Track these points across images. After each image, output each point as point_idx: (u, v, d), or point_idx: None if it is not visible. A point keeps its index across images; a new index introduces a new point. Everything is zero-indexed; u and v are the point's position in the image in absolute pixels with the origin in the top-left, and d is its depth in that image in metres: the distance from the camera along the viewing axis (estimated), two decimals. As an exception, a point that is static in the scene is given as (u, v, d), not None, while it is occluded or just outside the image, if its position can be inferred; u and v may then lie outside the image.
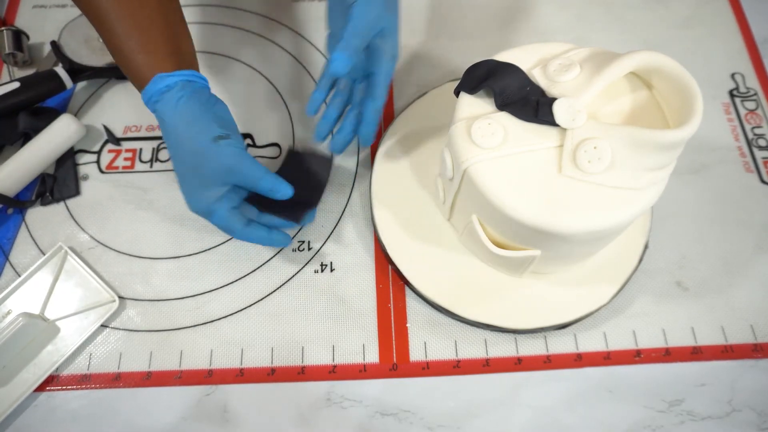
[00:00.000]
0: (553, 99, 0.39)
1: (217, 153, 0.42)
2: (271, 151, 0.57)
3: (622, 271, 0.49)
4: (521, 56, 0.42)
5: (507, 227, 0.41)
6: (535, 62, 0.42)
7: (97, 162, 0.57)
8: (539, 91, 0.40)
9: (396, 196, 0.52)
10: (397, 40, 0.47)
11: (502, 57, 0.42)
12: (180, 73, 0.43)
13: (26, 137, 0.55)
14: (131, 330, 0.50)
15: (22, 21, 0.64)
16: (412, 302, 0.51)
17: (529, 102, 0.39)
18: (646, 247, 0.50)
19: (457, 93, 0.43)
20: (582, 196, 0.38)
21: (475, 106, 0.41)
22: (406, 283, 0.50)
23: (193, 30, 0.65)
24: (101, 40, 0.59)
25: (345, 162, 0.57)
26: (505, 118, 0.40)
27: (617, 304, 0.50)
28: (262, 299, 0.51)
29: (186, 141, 0.43)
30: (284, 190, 0.45)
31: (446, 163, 0.43)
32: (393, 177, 0.53)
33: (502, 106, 0.40)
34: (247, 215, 0.47)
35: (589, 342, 0.49)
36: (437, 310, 0.50)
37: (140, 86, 0.43)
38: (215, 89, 0.60)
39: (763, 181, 0.57)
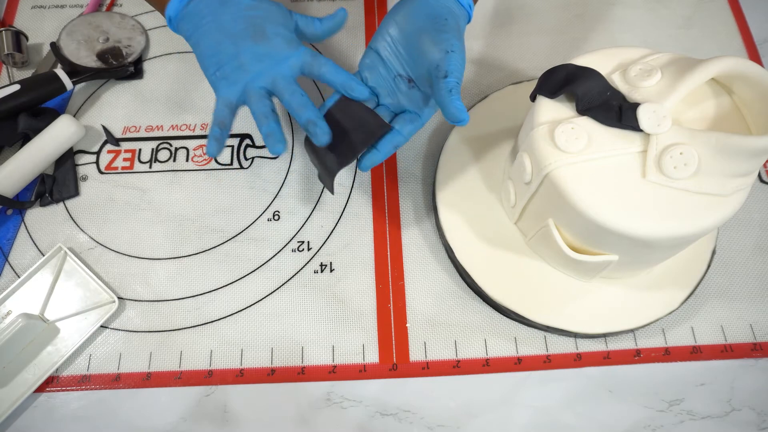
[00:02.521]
0: (636, 104, 0.39)
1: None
2: (270, 152, 0.58)
3: (691, 275, 0.49)
4: (599, 61, 0.42)
5: (587, 232, 0.41)
6: (614, 67, 0.42)
7: (97, 162, 0.57)
8: (620, 96, 0.40)
9: (459, 198, 0.52)
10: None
11: (581, 61, 0.42)
12: None
13: (26, 138, 0.55)
14: (131, 331, 0.50)
15: (20, 21, 0.64)
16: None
17: (611, 107, 0.39)
18: (713, 252, 0.50)
19: (533, 97, 0.43)
20: (668, 202, 0.38)
21: (554, 111, 0.41)
22: (466, 281, 0.50)
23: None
24: (100, 41, 0.60)
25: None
26: (588, 123, 0.40)
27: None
28: (262, 299, 0.51)
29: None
30: (359, 90, 0.44)
31: (524, 167, 0.42)
32: (456, 179, 0.53)
33: (583, 110, 0.40)
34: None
35: (589, 342, 0.49)
36: (499, 311, 0.50)
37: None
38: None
39: (762, 181, 0.57)
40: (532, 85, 0.44)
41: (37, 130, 0.54)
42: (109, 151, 0.57)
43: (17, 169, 0.52)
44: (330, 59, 0.45)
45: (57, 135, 0.54)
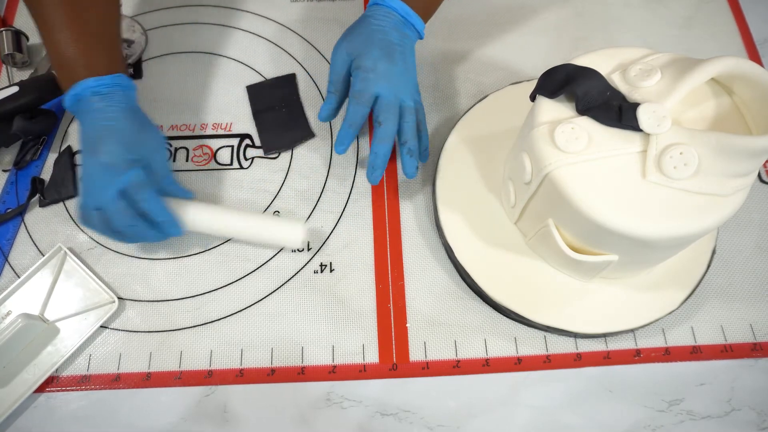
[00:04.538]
0: (636, 104, 0.39)
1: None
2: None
3: (691, 276, 0.49)
4: (599, 61, 0.42)
5: (587, 232, 0.41)
6: (614, 67, 0.42)
7: (97, 163, 0.57)
8: (620, 96, 0.40)
9: (459, 198, 0.52)
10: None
11: (581, 61, 0.42)
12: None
13: (18, 140, 0.55)
14: (131, 331, 0.50)
15: (20, 21, 0.64)
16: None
17: (611, 107, 0.39)
18: (713, 252, 0.50)
19: (533, 97, 0.43)
20: (667, 202, 0.38)
21: (554, 111, 0.41)
22: (466, 281, 0.50)
23: (192, 30, 0.65)
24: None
25: (344, 162, 0.57)
26: (588, 123, 0.40)
27: (617, 304, 0.50)
28: (261, 299, 0.51)
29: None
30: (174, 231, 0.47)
31: (524, 167, 0.42)
32: (456, 179, 0.53)
33: (583, 110, 0.40)
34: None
35: (589, 342, 0.49)
36: (498, 311, 0.50)
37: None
38: (218, 90, 0.60)
39: (762, 181, 0.57)
40: (532, 85, 0.44)
41: (32, 133, 0.54)
42: (109, 151, 0.57)
43: (213, 220, 0.49)
44: (154, 195, 0.45)
45: (280, 238, 0.50)
